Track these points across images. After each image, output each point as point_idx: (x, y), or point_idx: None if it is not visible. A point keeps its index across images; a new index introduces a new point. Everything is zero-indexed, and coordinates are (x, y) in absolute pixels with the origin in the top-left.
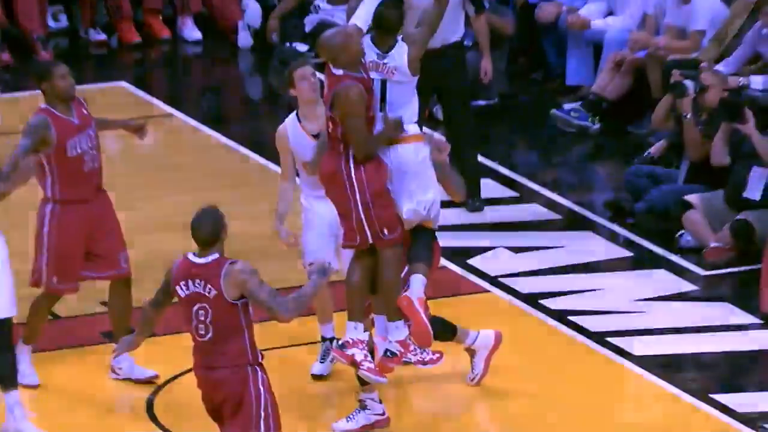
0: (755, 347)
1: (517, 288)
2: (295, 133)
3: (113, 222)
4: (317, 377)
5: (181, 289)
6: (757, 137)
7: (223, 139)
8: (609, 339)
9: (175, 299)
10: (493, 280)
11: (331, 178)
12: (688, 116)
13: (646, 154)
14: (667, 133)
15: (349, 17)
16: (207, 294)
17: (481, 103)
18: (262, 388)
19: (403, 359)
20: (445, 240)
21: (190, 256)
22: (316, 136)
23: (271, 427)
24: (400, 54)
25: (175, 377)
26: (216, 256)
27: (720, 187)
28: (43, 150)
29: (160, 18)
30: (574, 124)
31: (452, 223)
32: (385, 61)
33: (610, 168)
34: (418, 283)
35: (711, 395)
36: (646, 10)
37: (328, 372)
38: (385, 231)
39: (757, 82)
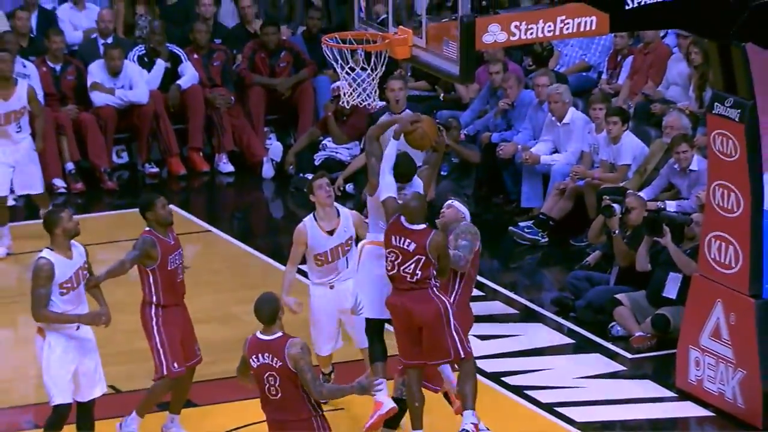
0: (671, 415)
1: (483, 368)
2: (313, 229)
3: (190, 321)
4: None
5: (253, 361)
6: (673, 249)
7: (250, 250)
8: (556, 408)
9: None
10: None
11: (435, 318)
12: (616, 232)
13: (584, 262)
14: (600, 245)
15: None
16: (274, 365)
17: None
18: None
19: None
20: None
21: (258, 335)
22: (330, 233)
23: None
24: (418, 186)
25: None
26: (280, 334)
27: (643, 288)
28: (148, 264)
29: (201, 155)
30: (527, 238)
31: None
32: (405, 191)
33: (555, 273)
34: (448, 371)
35: None
36: (584, 149)
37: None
38: (469, 345)
39: (671, 205)
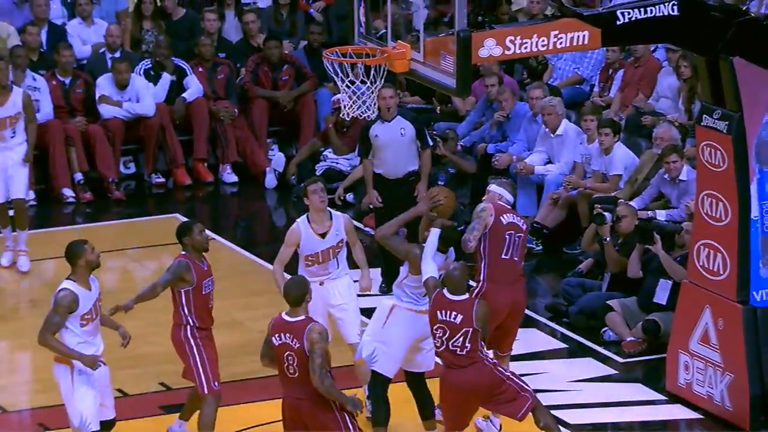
0: (661, 417)
1: None
2: (306, 231)
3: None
4: None
5: (275, 339)
6: (663, 256)
7: (253, 258)
8: (550, 411)
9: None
10: None
11: (492, 381)
12: (607, 239)
13: (577, 269)
14: (593, 253)
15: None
16: (293, 345)
17: None
18: (344, 412)
19: None
20: None
21: (283, 315)
22: (322, 235)
23: None
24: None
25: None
26: (303, 317)
27: (634, 295)
28: (182, 286)
29: (206, 165)
30: None
31: None
32: (447, 259)
33: (549, 279)
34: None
35: None
36: (576, 160)
37: None
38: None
39: (661, 214)
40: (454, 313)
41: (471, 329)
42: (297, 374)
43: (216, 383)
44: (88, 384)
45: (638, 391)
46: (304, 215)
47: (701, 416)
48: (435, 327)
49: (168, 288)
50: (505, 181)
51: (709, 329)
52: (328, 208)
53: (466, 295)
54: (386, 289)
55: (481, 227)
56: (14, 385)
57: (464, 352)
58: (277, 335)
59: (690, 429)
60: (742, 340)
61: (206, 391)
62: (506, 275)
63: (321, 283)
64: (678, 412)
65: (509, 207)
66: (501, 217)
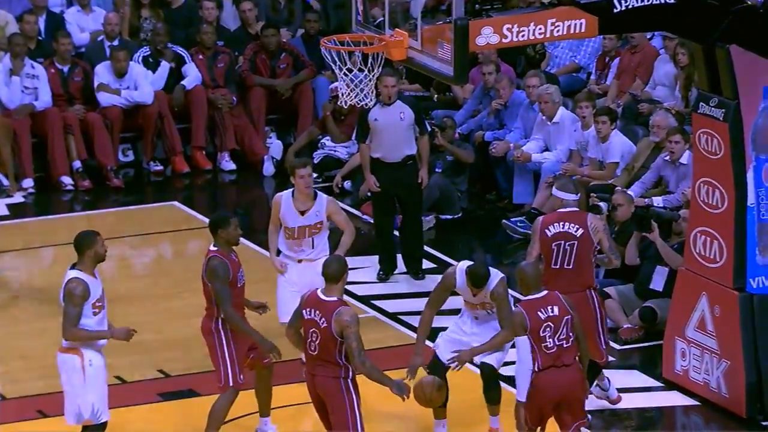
0: (658, 404)
1: (476, 360)
2: (287, 204)
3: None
4: None
5: (306, 312)
6: (660, 243)
7: (252, 245)
8: None
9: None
10: None
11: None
12: None
13: None
14: None
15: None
16: (320, 324)
17: (449, 216)
18: (354, 395)
19: None
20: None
21: (318, 292)
22: (302, 213)
23: (358, 422)
24: (495, 275)
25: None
26: (335, 299)
27: (631, 282)
28: None
29: (204, 153)
30: (520, 232)
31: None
32: (480, 298)
33: None
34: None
35: None
36: (573, 147)
37: None
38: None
39: (658, 200)
40: (550, 306)
41: (569, 316)
42: (317, 352)
43: (242, 376)
44: (98, 375)
45: (635, 377)
46: (292, 189)
47: (698, 403)
48: (542, 329)
49: (203, 283)
50: (564, 181)
51: (705, 316)
52: (316, 190)
53: (545, 290)
54: (384, 277)
55: (534, 247)
56: (13, 372)
57: (570, 343)
58: (307, 309)
59: (686, 415)
60: (739, 327)
61: (231, 384)
62: (556, 285)
63: (299, 261)
64: (674, 399)
65: (566, 212)
66: (546, 230)
